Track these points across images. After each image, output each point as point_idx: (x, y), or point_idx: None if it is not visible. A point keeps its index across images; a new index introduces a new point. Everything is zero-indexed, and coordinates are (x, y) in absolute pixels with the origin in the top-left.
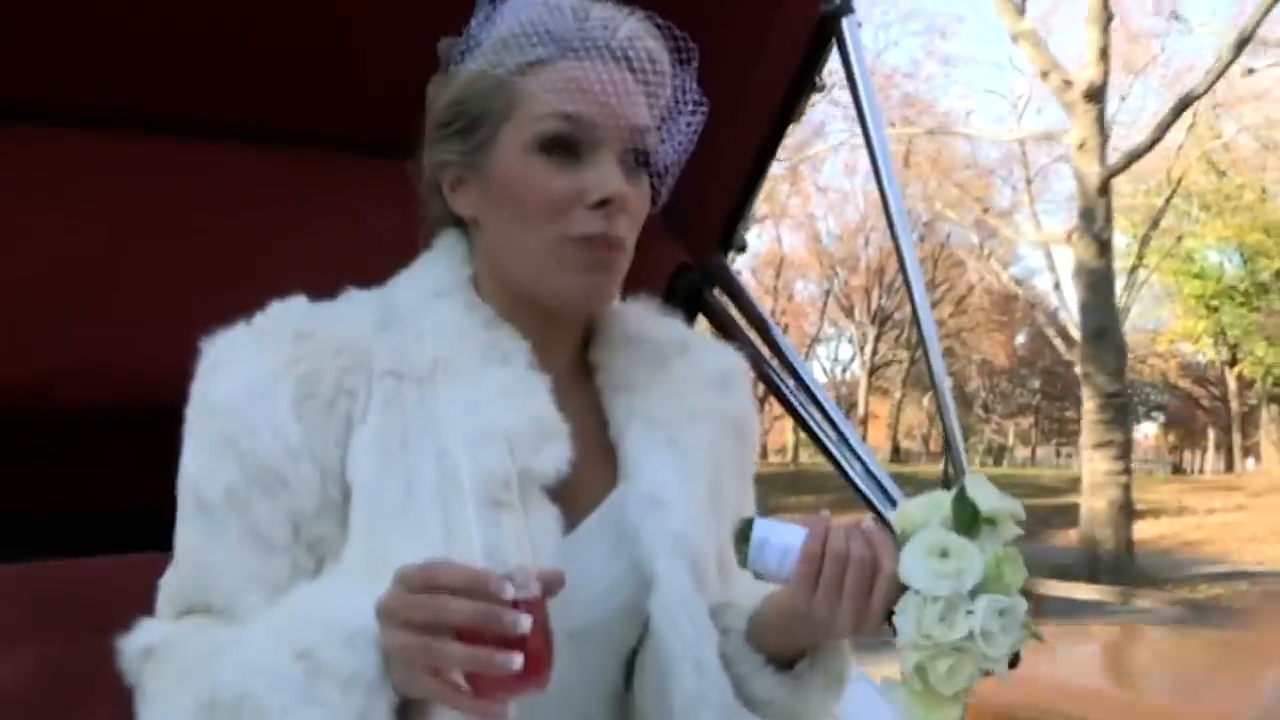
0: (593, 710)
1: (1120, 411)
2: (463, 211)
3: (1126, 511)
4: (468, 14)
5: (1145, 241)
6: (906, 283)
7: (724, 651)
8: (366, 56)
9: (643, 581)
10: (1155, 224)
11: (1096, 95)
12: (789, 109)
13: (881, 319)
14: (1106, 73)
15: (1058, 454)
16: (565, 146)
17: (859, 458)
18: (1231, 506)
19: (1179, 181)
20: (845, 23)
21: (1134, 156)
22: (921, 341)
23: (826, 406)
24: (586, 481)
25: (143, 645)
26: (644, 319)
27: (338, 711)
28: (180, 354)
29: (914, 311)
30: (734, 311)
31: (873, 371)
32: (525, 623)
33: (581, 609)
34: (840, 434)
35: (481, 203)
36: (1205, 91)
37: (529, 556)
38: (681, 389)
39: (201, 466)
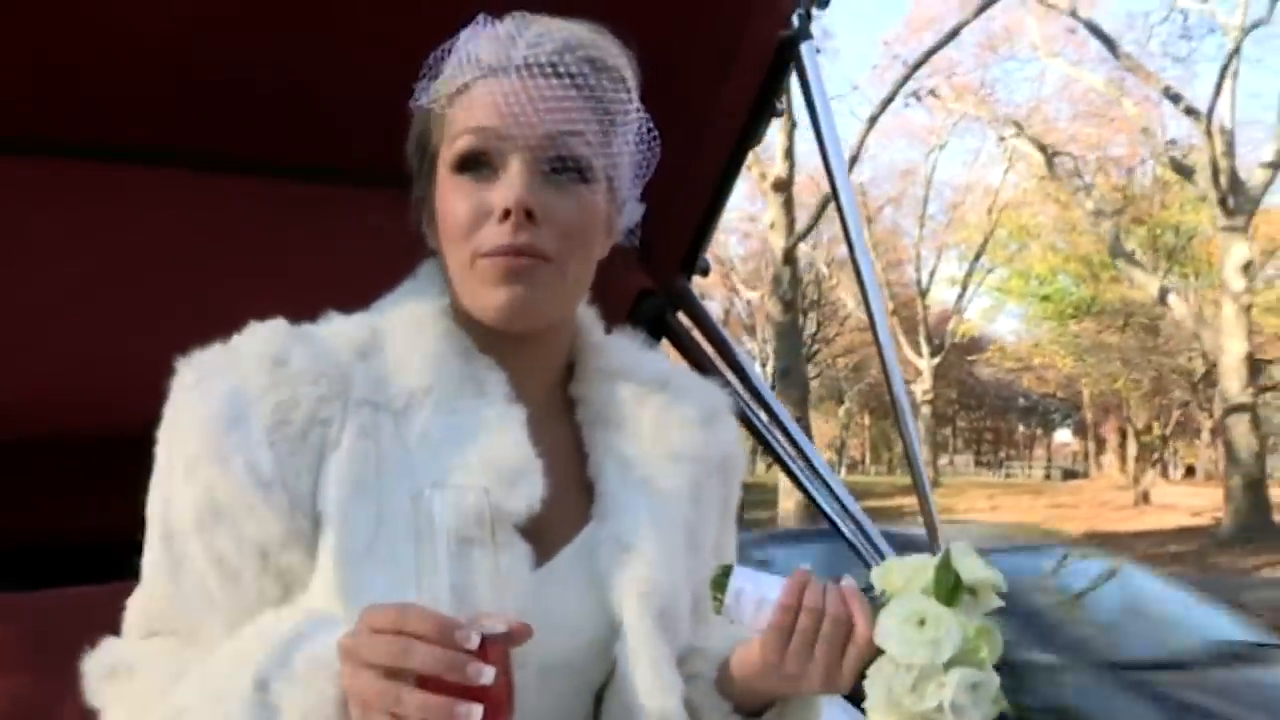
0: None
1: (807, 431)
2: (431, 244)
3: (810, 511)
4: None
5: (971, 269)
6: (867, 307)
7: (691, 698)
8: (345, 86)
9: (611, 623)
10: (978, 256)
11: (783, 186)
12: (749, 133)
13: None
14: (791, 168)
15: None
16: (478, 163)
17: (821, 477)
18: (984, 508)
19: (999, 214)
20: (804, 48)
21: (801, 236)
22: (882, 365)
23: (788, 426)
24: (560, 517)
25: (106, 665)
26: (626, 353)
27: None
28: (154, 382)
29: (875, 335)
30: (698, 336)
31: (774, 386)
32: (489, 674)
33: (550, 643)
34: (802, 453)
35: (434, 235)
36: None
37: (498, 595)
38: (662, 429)
39: (171, 490)
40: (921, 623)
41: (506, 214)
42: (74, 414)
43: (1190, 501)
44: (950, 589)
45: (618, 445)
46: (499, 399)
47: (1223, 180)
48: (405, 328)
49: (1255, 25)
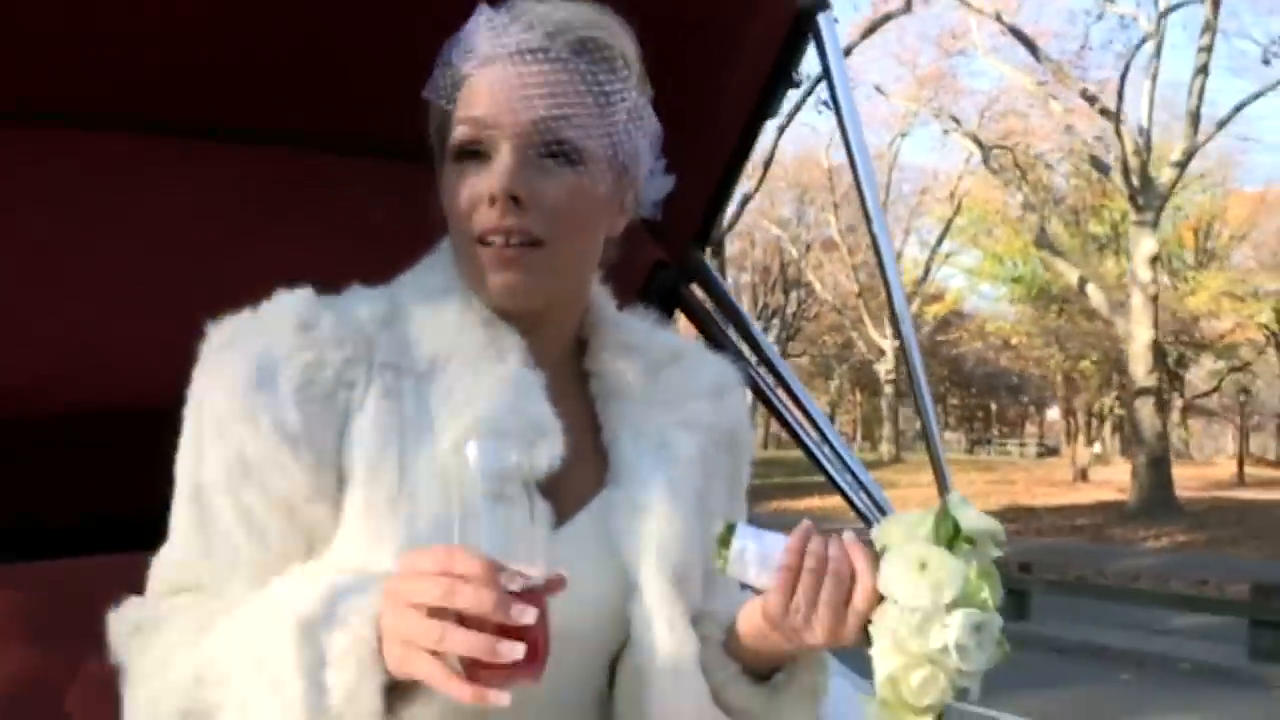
0: (575, 711)
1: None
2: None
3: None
4: (461, 18)
5: (933, 253)
6: (884, 281)
7: (701, 659)
8: (364, 58)
9: (625, 585)
10: (940, 240)
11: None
12: (765, 105)
13: (768, 315)
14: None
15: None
16: (472, 152)
17: (834, 448)
18: (925, 482)
19: (960, 202)
20: (821, 19)
21: (727, 229)
22: (901, 343)
23: (803, 400)
24: (577, 481)
25: (131, 622)
26: (639, 328)
27: (327, 687)
28: (174, 357)
29: (891, 311)
30: (712, 308)
31: None
32: (531, 614)
33: (566, 608)
34: (816, 426)
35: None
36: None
37: (528, 550)
38: (674, 398)
39: (200, 449)
40: (923, 566)
41: (494, 199)
42: (94, 386)
43: (1125, 479)
44: (949, 538)
45: (631, 414)
46: (517, 363)
47: (1134, 178)
48: (426, 298)
49: (1170, 9)
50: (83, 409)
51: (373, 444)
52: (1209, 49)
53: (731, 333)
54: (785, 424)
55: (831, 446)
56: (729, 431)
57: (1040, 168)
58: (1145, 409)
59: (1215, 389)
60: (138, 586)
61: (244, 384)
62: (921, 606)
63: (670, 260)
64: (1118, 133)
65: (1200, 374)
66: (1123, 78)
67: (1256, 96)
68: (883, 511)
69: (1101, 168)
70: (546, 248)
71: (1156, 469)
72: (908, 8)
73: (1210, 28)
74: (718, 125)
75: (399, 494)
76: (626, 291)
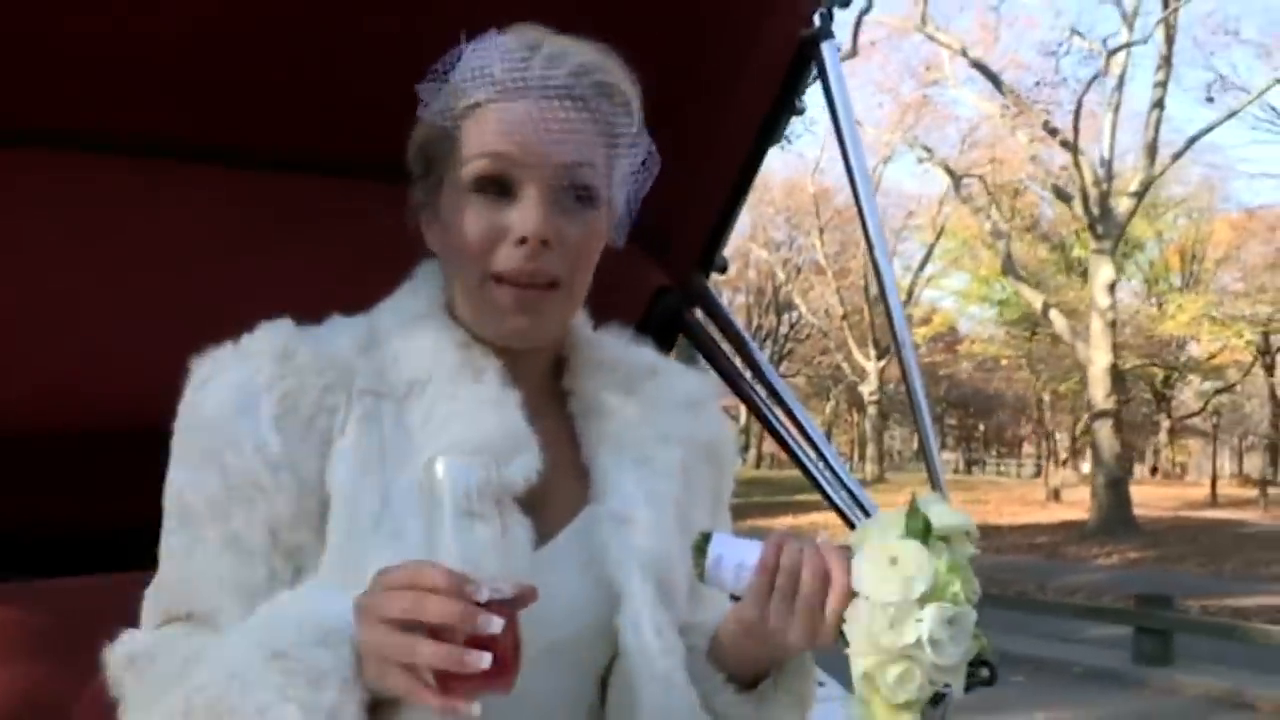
0: None
1: None
2: (431, 247)
3: None
4: (454, 44)
5: (916, 276)
6: (885, 305)
7: (689, 669)
8: (360, 81)
9: (611, 598)
10: (923, 265)
11: None
12: (769, 131)
13: (762, 336)
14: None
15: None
16: (495, 186)
17: (837, 475)
18: (899, 502)
19: (942, 228)
20: (825, 47)
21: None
22: (901, 365)
23: (805, 425)
24: (558, 500)
25: (125, 654)
26: (615, 346)
27: (310, 707)
28: (165, 377)
29: (892, 333)
30: (714, 332)
31: None
32: (497, 624)
33: (552, 624)
34: (819, 452)
35: (437, 241)
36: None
37: (503, 566)
38: (651, 412)
39: (186, 478)
40: (893, 562)
41: (523, 240)
42: (90, 407)
43: (1078, 495)
44: (921, 532)
45: (610, 430)
46: (495, 383)
47: (1093, 207)
48: (403, 323)
49: (1116, 49)
50: (78, 427)
51: (354, 468)
52: (1164, 84)
53: (733, 356)
54: (786, 447)
55: (830, 467)
56: (708, 444)
57: (1007, 196)
58: (1104, 431)
59: (1202, 410)
60: (138, 604)
61: (227, 413)
62: (893, 601)
63: (673, 285)
64: (1075, 163)
65: (1190, 395)
66: (1077, 110)
67: (1209, 129)
68: None
69: (1064, 197)
70: (562, 289)
71: (1115, 489)
72: (854, 53)
73: (1166, 63)
74: (722, 152)
75: (381, 516)
76: (630, 315)
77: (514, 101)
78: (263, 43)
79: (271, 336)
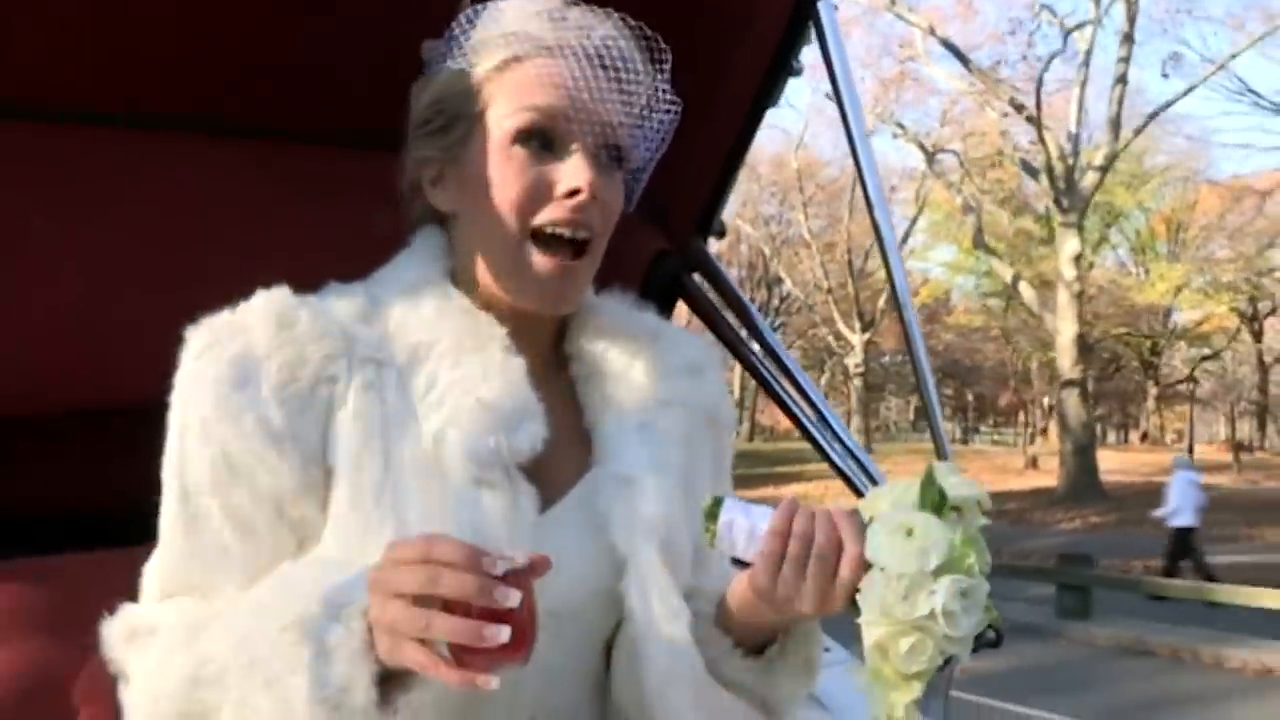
0: (573, 692)
1: None
2: (441, 206)
3: None
4: (454, 14)
5: (900, 246)
6: (887, 267)
7: (695, 634)
8: (356, 52)
9: (616, 563)
10: (906, 237)
11: None
12: (766, 93)
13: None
14: None
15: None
16: (539, 139)
17: (840, 439)
18: (881, 469)
19: (924, 202)
20: (822, 7)
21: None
22: (904, 330)
23: (806, 389)
24: (561, 465)
25: (125, 628)
26: (617, 312)
27: (320, 680)
28: (164, 350)
29: (898, 308)
30: (714, 296)
31: None
32: (515, 597)
33: (556, 590)
34: (821, 415)
35: (459, 197)
36: None
37: (510, 533)
38: (653, 377)
39: (186, 452)
40: (909, 533)
41: (572, 193)
42: (91, 382)
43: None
44: (935, 506)
45: (613, 394)
46: (498, 350)
47: (1059, 181)
48: (404, 293)
49: (1074, 27)
50: (76, 404)
51: (356, 438)
52: (1127, 59)
53: (733, 320)
54: (787, 410)
55: (834, 432)
56: (710, 409)
57: (981, 170)
58: (1071, 399)
59: (1188, 377)
60: (137, 580)
61: (225, 385)
62: (908, 573)
63: (672, 249)
64: (1040, 138)
65: (1182, 362)
66: (1038, 87)
67: (1169, 105)
68: None
69: (1032, 171)
70: (590, 254)
71: (1082, 455)
72: None
73: (1128, 40)
74: (720, 115)
75: (384, 485)
76: (630, 280)
77: (556, 59)
78: (264, 14)
79: (269, 305)
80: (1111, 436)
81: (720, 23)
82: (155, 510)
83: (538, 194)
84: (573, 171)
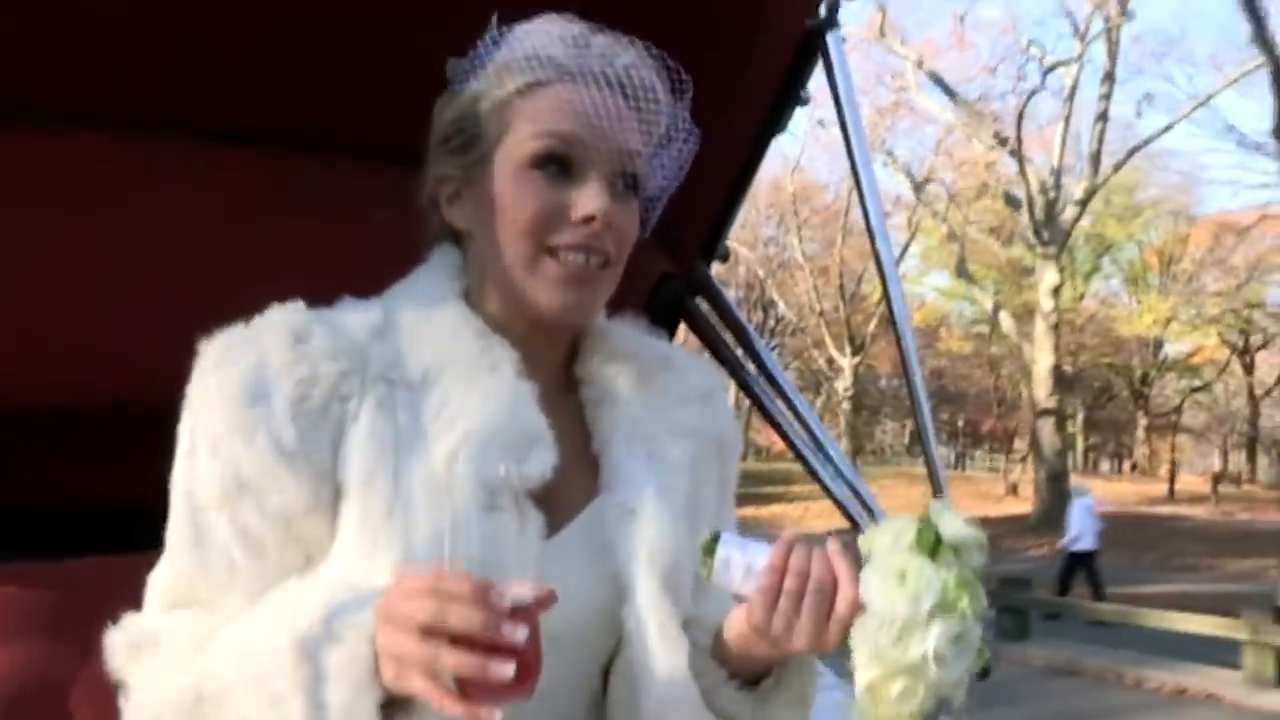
0: (571, 711)
1: None
2: (458, 224)
3: None
4: (464, 27)
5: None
6: (887, 299)
7: (692, 665)
8: (366, 62)
9: (618, 590)
10: (897, 262)
11: None
12: (774, 121)
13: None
14: None
15: None
16: (557, 164)
17: (833, 462)
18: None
19: (915, 229)
20: (830, 37)
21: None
22: (903, 364)
23: (804, 414)
24: (569, 490)
25: (128, 640)
26: (629, 336)
27: (324, 703)
28: (173, 354)
29: (895, 333)
30: (715, 320)
31: None
32: (522, 633)
33: (559, 614)
34: (818, 442)
35: (476, 216)
36: None
37: (518, 559)
38: (663, 404)
39: (195, 466)
40: (902, 577)
41: (587, 220)
42: (94, 383)
43: None
44: (931, 546)
45: (622, 420)
46: (510, 375)
47: (1038, 214)
48: (418, 311)
49: (1052, 66)
50: (80, 405)
51: (367, 457)
52: (1108, 97)
53: (733, 344)
54: (785, 437)
55: (830, 460)
56: (717, 435)
57: (969, 200)
58: (1045, 428)
59: (1178, 408)
60: (140, 586)
61: (238, 400)
62: (900, 617)
63: (676, 272)
64: (1022, 172)
65: (1174, 394)
66: (1018, 121)
67: (1147, 142)
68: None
69: (1014, 203)
70: (609, 270)
71: (1056, 483)
72: None
73: (1109, 78)
74: (726, 141)
75: (394, 506)
76: (633, 302)
77: (578, 85)
78: (268, 19)
79: (284, 319)
80: (1106, 466)
81: (729, 49)
82: (158, 516)
83: (553, 218)
84: (588, 198)
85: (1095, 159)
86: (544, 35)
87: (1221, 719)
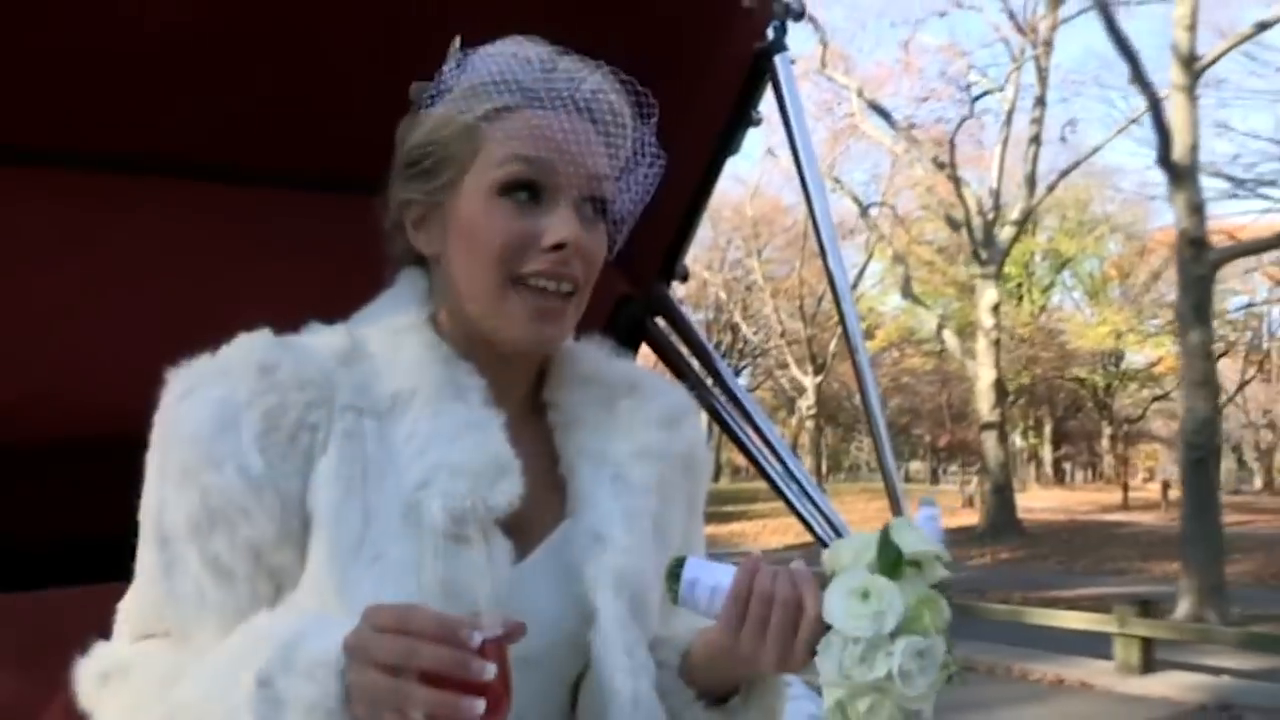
0: None
1: None
2: (424, 249)
3: None
4: (438, 59)
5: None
6: (842, 319)
7: (659, 685)
8: (337, 97)
9: (585, 614)
10: (855, 283)
11: None
12: (727, 142)
13: (721, 351)
14: None
15: None
16: (525, 190)
17: (800, 484)
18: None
19: (871, 252)
20: (778, 60)
21: None
22: (858, 379)
23: (768, 434)
24: (536, 514)
25: (98, 670)
26: (596, 359)
27: None
28: (143, 385)
29: (850, 347)
30: (677, 341)
31: None
32: (490, 670)
33: (528, 637)
34: (781, 461)
35: (442, 241)
36: None
37: (487, 588)
38: (629, 428)
39: (164, 497)
40: (865, 596)
41: (556, 247)
42: (67, 417)
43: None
44: (893, 562)
45: (589, 445)
46: (478, 403)
47: (977, 235)
48: (385, 337)
49: (979, 95)
50: (51, 437)
51: (336, 487)
52: (1040, 121)
53: (695, 365)
54: (749, 455)
55: (794, 477)
56: (685, 456)
57: (915, 223)
58: (989, 441)
59: (1140, 417)
60: (109, 617)
61: (206, 431)
62: (864, 637)
63: (636, 294)
64: (959, 195)
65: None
66: (951, 147)
67: (1077, 165)
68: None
69: (955, 225)
70: (577, 297)
71: (1000, 495)
72: None
73: (1040, 103)
74: (681, 163)
75: (363, 538)
76: (593, 324)
77: (546, 110)
78: (244, 59)
79: (251, 349)
80: (1080, 476)
81: (680, 74)
82: (129, 547)
83: (522, 245)
84: (558, 225)
85: (1030, 181)
86: (509, 58)
87: (1093, 705)
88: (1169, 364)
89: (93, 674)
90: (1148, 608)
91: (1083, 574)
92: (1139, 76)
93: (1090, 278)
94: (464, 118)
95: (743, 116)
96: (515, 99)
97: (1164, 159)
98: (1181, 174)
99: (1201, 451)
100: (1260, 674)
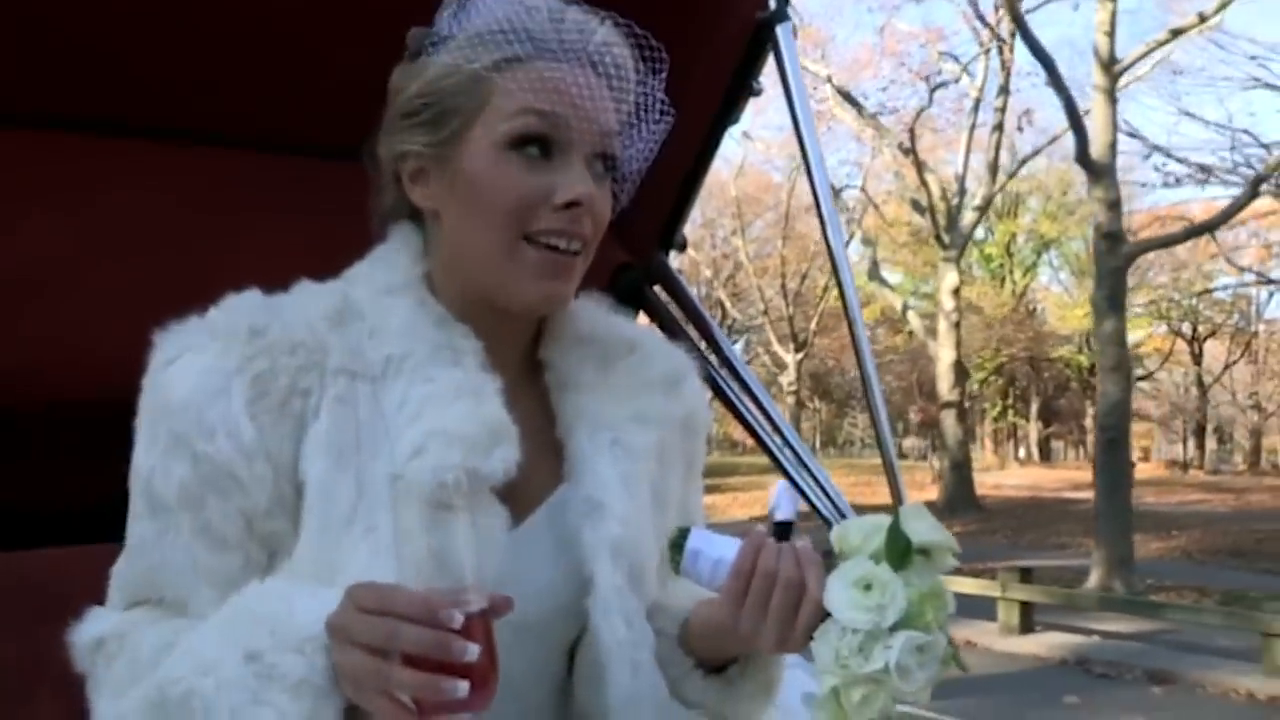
0: (536, 699)
1: None
2: (422, 204)
3: None
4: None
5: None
6: (841, 293)
7: (657, 653)
8: (328, 61)
9: (582, 581)
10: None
11: None
12: (727, 112)
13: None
14: None
15: None
16: (537, 145)
17: (796, 452)
18: None
19: (852, 234)
20: (780, 30)
21: None
22: (857, 356)
23: (764, 403)
24: (533, 479)
25: (94, 636)
26: (595, 318)
27: (286, 714)
28: (133, 352)
29: (849, 322)
30: (675, 309)
31: None
32: (473, 651)
33: (524, 603)
34: (777, 429)
35: (444, 196)
36: None
37: (477, 559)
38: (628, 391)
39: (154, 464)
40: (868, 587)
41: (570, 205)
42: (58, 382)
43: (981, 478)
44: (901, 552)
45: (586, 407)
46: (474, 367)
47: (940, 220)
48: (378, 297)
49: (937, 86)
50: (44, 401)
51: (328, 453)
52: (1003, 109)
53: (693, 334)
54: (746, 425)
55: (792, 449)
56: (685, 417)
57: (885, 206)
58: (948, 420)
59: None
60: (104, 579)
61: (196, 397)
62: (863, 629)
63: (634, 262)
64: (921, 180)
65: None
66: (911, 133)
67: (1036, 153)
68: (841, 513)
69: (920, 209)
70: (584, 254)
71: (958, 471)
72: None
73: (1004, 91)
74: (681, 132)
75: (356, 509)
76: (591, 292)
77: (557, 62)
78: (244, 26)
79: (240, 312)
80: (1071, 454)
81: (681, 42)
82: (122, 509)
83: (534, 202)
84: (572, 182)
85: (993, 167)
86: (516, 5)
87: (973, 660)
88: (1154, 344)
89: (87, 641)
90: (1028, 574)
91: (1027, 548)
92: (1055, 80)
93: (1077, 259)
94: (470, 67)
95: (743, 85)
96: (525, 49)
97: (1082, 157)
98: (1099, 171)
99: (1114, 433)
100: (1128, 636)
